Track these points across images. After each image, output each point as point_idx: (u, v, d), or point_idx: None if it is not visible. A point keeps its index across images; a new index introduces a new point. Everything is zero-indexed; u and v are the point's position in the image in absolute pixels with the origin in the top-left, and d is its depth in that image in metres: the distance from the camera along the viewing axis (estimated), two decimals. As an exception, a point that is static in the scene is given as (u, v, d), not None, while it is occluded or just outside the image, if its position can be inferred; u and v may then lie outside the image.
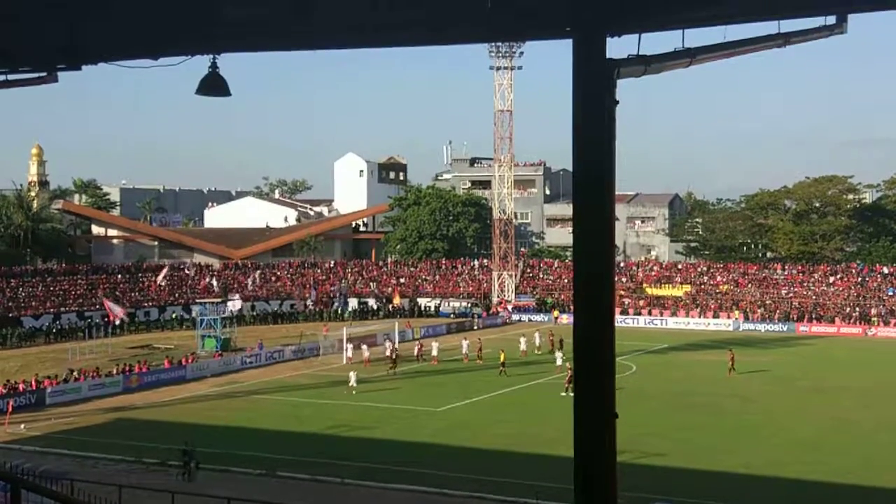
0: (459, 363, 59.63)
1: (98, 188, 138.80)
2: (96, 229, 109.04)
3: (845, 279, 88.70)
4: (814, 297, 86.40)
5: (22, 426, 41.38)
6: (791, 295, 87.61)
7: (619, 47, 8.18)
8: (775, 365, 59.50)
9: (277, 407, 46.59)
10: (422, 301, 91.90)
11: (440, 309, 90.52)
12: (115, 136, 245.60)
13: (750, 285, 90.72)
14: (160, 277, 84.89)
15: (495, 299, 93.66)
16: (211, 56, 10.43)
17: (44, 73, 11.17)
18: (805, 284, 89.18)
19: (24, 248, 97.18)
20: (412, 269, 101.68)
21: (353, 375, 50.70)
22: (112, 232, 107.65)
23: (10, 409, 43.00)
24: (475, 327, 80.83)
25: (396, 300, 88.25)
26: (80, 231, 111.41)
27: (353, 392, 49.26)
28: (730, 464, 35.18)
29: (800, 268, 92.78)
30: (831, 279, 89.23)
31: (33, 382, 48.31)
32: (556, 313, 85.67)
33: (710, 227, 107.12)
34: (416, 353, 61.88)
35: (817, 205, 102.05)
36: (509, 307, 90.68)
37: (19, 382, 48.38)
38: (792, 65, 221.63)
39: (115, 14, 9.55)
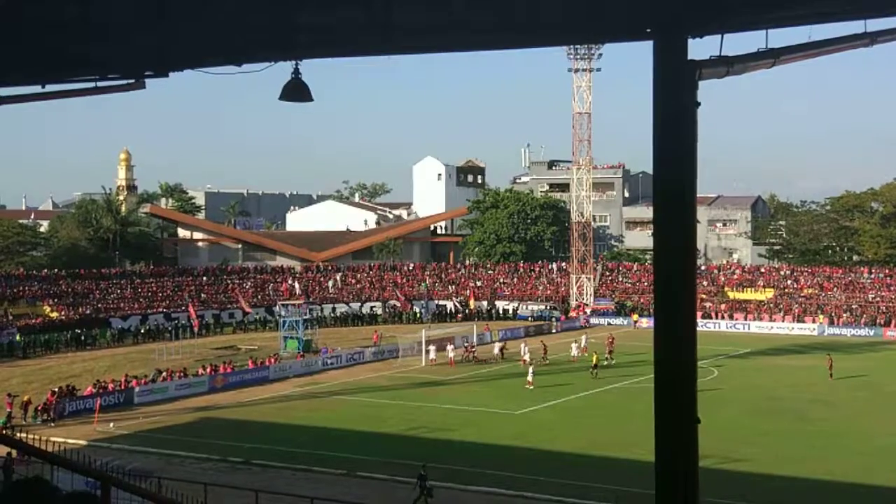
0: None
1: (184, 192, 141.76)
2: (182, 232, 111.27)
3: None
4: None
5: (111, 424, 42.38)
6: (878, 299, 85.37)
7: (700, 48, 8.10)
8: (862, 370, 58.00)
9: (358, 408, 46.97)
10: (500, 304, 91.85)
11: (518, 312, 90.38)
12: (201, 142, 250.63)
13: (835, 289, 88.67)
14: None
15: (573, 303, 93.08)
16: (293, 62, 10.61)
17: (132, 80, 11.46)
18: (893, 288, 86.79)
19: (113, 251, 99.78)
20: (490, 272, 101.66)
21: (531, 370, 52.25)
22: (197, 235, 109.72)
23: (100, 408, 44.13)
24: (553, 331, 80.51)
25: (472, 303, 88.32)
26: (166, 234, 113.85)
27: (531, 388, 50.50)
28: (815, 470, 34.42)
29: (887, 271, 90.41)
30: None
31: (122, 382, 49.56)
32: (635, 317, 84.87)
33: (793, 229, 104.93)
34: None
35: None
36: (587, 310, 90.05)
37: (108, 382, 49.63)
38: (877, 63, 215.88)
39: (201, 23, 9.78)
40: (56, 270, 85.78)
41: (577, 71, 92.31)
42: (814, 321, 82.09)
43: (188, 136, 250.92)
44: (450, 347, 61.89)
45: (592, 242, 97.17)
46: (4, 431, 34.81)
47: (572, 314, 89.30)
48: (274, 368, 56.60)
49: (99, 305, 79.53)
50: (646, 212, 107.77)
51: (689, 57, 7.94)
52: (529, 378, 51.60)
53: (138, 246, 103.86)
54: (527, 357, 59.05)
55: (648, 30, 8.09)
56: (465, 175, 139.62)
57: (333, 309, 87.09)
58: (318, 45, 9.89)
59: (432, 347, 61.26)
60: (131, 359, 62.57)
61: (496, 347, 65.01)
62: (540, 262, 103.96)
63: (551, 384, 52.14)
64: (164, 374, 52.02)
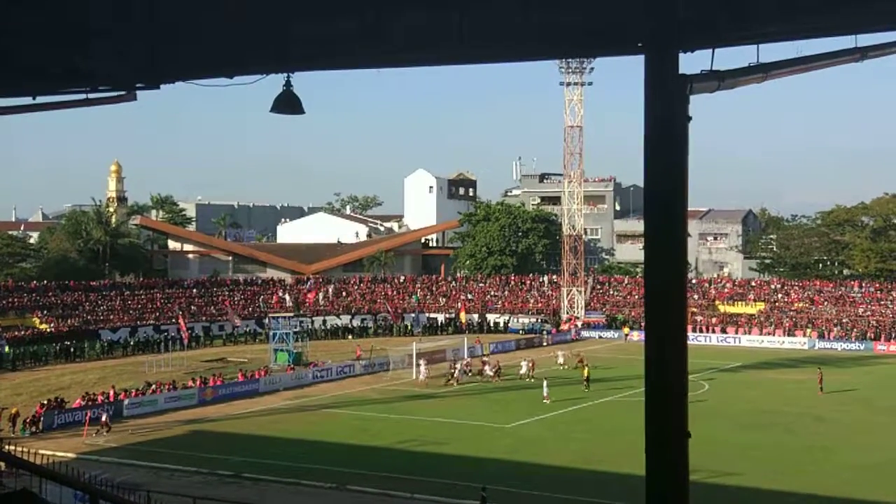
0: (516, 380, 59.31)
1: (174, 204, 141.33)
2: (172, 244, 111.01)
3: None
4: (892, 316, 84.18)
5: (94, 434, 42.10)
6: (868, 313, 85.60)
7: (691, 62, 8.12)
8: (852, 384, 58.13)
9: (348, 421, 46.85)
10: (490, 317, 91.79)
11: (509, 325, 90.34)
12: (191, 154, 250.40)
13: (826, 303, 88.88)
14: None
15: (564, 315, 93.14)
16: (285, 75, 10.60)
17: (123, 92, 11.45)
18: (883, 303, 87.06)
19: (103, 263, 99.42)
20: (481, 284, 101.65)
21: (545, 384, 52.40)
22: (188, 247, 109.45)
23: (89, 421, 43.88)
24: (544, 343, 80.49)
25: (463, 317, 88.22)
26: (156, 246, 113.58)
27: (548, 401, 50.54)
28: (805, 484, 34.41)
29: (877, 285, 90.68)
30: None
31: (111, 394, 49.30)
32: (626, 330, 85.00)
33: (784, 243, 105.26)
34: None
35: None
36: (578, 323, 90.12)
37: (98, 394, 49.38)
38: (867, 78, 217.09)
39: (193, 35, 9.77)
40: (46, 282, 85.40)
41: (568, 84, 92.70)
42: (804, 335, 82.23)
43: (179, 148, 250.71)
44: (423, 365, 59.68)
45: (583, 255, 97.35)
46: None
47: (563, 327, 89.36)
48: (264, 381, 56.39)
49: (88, 317, 79.21)
50: (637, 225, 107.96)
51: (681, 71, 7.96)
52: (545, 392, 51.56)
53: (128, 258, 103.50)
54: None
55: (640, 44, 8.12)
56: (456, 188, 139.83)
57: (324, 321, 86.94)
58: (313, 57, 9.89)
59: (423, 360, 60.98)
60: (120, 371, 62.28)
61: (487, 368, 60.35)
62: (531, 275, 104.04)
63: (541, 397, 52.15)
64: (154, 386, 51.82)
